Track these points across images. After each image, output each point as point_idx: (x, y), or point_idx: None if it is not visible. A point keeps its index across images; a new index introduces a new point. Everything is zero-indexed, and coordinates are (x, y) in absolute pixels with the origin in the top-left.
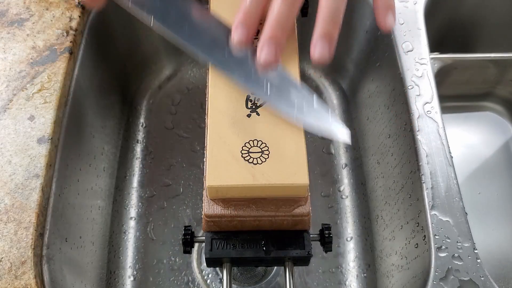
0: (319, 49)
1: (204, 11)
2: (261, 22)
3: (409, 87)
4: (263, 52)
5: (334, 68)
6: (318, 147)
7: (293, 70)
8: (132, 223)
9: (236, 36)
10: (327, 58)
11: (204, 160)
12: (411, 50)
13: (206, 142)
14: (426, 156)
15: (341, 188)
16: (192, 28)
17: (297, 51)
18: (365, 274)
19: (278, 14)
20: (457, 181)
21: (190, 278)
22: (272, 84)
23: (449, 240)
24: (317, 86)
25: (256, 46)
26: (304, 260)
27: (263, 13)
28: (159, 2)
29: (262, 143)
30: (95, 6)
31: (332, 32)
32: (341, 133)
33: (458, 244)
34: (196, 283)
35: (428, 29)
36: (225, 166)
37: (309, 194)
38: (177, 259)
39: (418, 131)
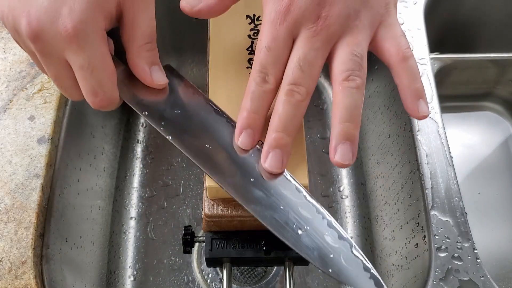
0: (341, 154)
1: (226, 123)
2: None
3: None
4: (268, 160)
5: None
6: (318, 147)
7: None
8: (132, 223)
9: (241, 141)
10: (351, 162)
11: None
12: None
13: None
14: (426, 156)
15: (341, 188)
16: (212, 155)
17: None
18: None
19: (283, 116)
20: (457, 181)
21: (190, 278)
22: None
23: (449, 240)
24: (317, 86)
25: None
26: (304, 260)
27: (269, 112)
28: (178, 116)
29: (262, 143)
30: (108, 109)
31: (353, 132)
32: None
33: (458, 244)
34: (196, 283)
35: (428, 29)
36: None
37: None
38: (177, 259)
39: (418, 131)
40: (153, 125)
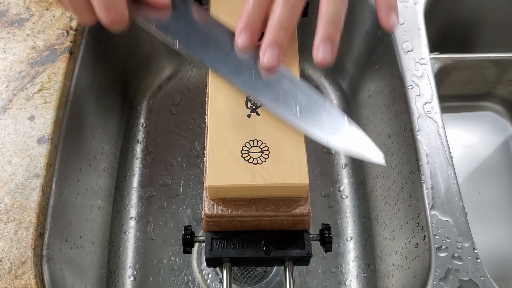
0: (321, 52)
1: (227, 31)
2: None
3: (409, 87)
4: (266, 55)
5: (334, 68)
6: (318, 147)
7: (294, 72)
8: (132, 223)
9: (240, 40)
10: (330, 60)
11: (204, 160)
12: (411, 50)
13: (206, 142)
14: (426, 156)
15: (341, 188)
16: (217, 52)
17: (297, 53)
18: (365, 274)
19: (280, 17)
20: (457, 181)
21: (190, 278)
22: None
23: (449, 240)
24: (317, 86)
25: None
26: (304, 260)
27: (267, 16)
28: (183, 25)
29: (262, 143)
30: (117, 27)
31: (334, 34)
32: (375, 155)
33: (458, 244)
34: (196, 283)
35: (428, 29)
36: (225, 166)
37: (309, 194)
38: (177, 259)
39: (418, 131)
40: (160, 36)
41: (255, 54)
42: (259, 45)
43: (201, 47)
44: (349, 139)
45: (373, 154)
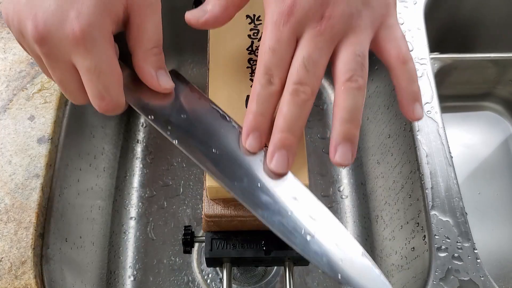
0: (341, 154)
1: (232, 128)
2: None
3: None
4: (274, 160)
5: None
6: (318, 147)
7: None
8: (132, 223)
9: (248, 144)
10: (351, 162)
11: None
12: (411, 50)
13: None
14: (426, 156)
15: (341, 188)
16: (218, 160)
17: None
18: None
19: (288, 117)
20: (457, 181)
21: (190, 278)
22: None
23: (449, 240)
24: None
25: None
26: (304, 260)
27: (274, 112)
28: (183, 121)
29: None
30: (112, 114)
31: (353, 133)
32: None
33: (458, 244)
34: (196, 283)
35: (428, 29)
36: None
37: None
38: (177, 259)
39: (418, 131)
40: (159, 129)
41: (263, 159)
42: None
43: (203, 149)
44: (360, 276)
45: None
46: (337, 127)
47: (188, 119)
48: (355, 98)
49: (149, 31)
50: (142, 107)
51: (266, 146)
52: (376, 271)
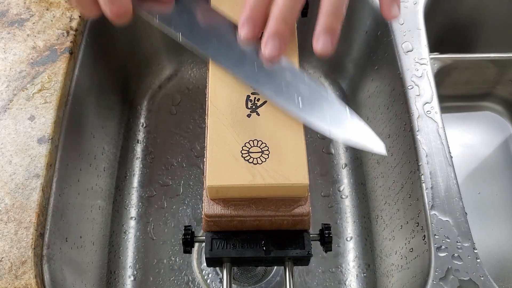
0: (321, 42)
1: (230, 24)
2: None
3: (409, 87)
4: (268, 46)
5: (334, 68)
6: (318, 147)
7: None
8: (132, 223)
9: (243, 33)
10: (330, 51)
11: (204, 160)
12: (411, 50)
13: (206, 142)
14: (426, 156)
15: (341, 188)
16: (220, 45)
17: (297, 50)
18: (365, 274)
19: (282, 8)
20: (456, 181)
21: (190, 278)
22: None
23: (448, 240)
24: None
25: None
26: (304, 260)
27: (269, 8)
28: (186, 18)
29: (262, 143)
30: (121, 21)
31: (334, 25)
32: (377, 145)
33: (458, 244)
34: (196, 283)
35: (428, 29)
36: (225, 166)
37: (309, 194)
38: (177, 259)
39: (418, 131)
40: (163, 29)
41: (257, 46)
42: (261, 37)
43: (204, 40)
44: (351, 130)
45: (375, 144)
46: (320, 20)
47: (192, 18)
48: None
49: None
50: (148, 11)
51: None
52: (367, 128)
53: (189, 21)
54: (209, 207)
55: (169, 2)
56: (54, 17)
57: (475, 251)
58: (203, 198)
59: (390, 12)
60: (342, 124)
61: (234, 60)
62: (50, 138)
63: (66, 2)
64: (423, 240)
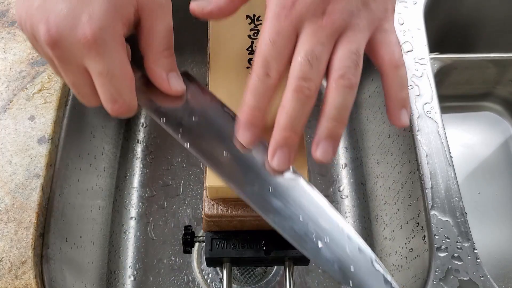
0: (321, 149)
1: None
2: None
3: (409, 87)
4: (276, 158)
5: None
6: None
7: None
8: (132, 223)
9: (244, 138)
10: (330, 160)
11: None
12: (411, 50)
13: None
14: (426, 156)
15: (341, 188)
16: (229, 164)
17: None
18: None
19: (291, 114)
20: (456, 181)
21: (190, 277)
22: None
23: (448, 240)
24: None
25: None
26: (304, 260)
27: (270, 105)
28: (195, 124)
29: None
30: (124, 117)
31: (337, 131)
32: None
33: (458, 244)
34: (196, 283)
35: (428, 29)
36: None
37: None
38: (177, 259)
39: (418, 131)
40: (170, 133)
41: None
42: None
43: (214, 152)
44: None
45: None
46: (323, 123)
47: (200, 122)
48: (345, 97)
49: (160, 34)
50: (154, 110)
51: (266, 145)
52: (388, 277)
53: (198, 129)
54: (209, 207)
55: (177, 99)
56: None
57: (475, 251)
58: (203, 198)
59: (399, 120)
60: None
61: (247, 182)
62: (50, 138)
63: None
64: (423, 240)
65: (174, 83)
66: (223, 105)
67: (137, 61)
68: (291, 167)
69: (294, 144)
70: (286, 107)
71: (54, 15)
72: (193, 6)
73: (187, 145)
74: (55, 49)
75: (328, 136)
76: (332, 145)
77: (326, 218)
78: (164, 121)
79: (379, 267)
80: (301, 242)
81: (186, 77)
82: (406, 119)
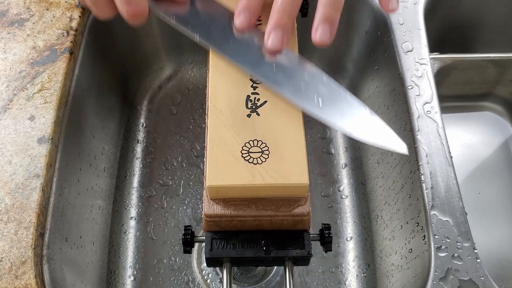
0: (320, 32)
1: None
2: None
3: (409, 87)
4: (271, 38)
5: (334, 68)
6: (318, 147)
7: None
8: (132, 223)
9: (238, 21)
10: (329, 41)
11: (204, 160)
12: (411, 50)
13: (206, 142)
14: (426, 156)
15: (341, 188)
16: (237, 44)
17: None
18: (365, 274)
19: (284, 1)
20: (456, 181)
21: (190, 278)
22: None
23: (448, 240)
24: None
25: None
26: (304, 260)
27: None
28: (202, 18)
29: (262, 143)
30: (137, 21)
31: (333, 15)
32: (398, 145)
33: (458, 244)
34: (196, 283)
35: (428, 29)
36: (225, 166)
37: (309, 194)
38: (177, 259)
39: (418, 131)
40: (180, 27)
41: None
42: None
43: (221, 40)
44: (372, 130)
45: (396, 144)
46: (319, 10)
47: (206, 19)
48: None
49: None
50: (164, 12)
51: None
52: (388, 128)
53: (205, 21)
54: (209, 207)
55: (185, 2)
56: (54, 17)
57: (475, 251)
58: (203, 198)
59: (388, 5)
60: (363, 124)
61: (252, 59)
62: (50, 138)
63: (78, 2)
64: (423, 240)
65: None
66: (226, 7)
67: None
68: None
69: (288, 26)
70: None
71: None
72: None
73: (196, 35)
74: None
75: (325, 19)
76: (330, 28)
77: (325, 84)
78: (174, 18)
79: (377, 118)
80: (305, 101)
81: None
82: (395, 4)
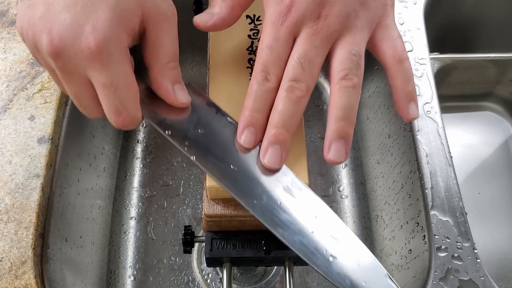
0: (334, 151)
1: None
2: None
3: None
4: (267, 155)
5: None
6: (318, 147)
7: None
8: (132, 223)
9: (243, 140)
10: (344, 159)
11: None
12: (411, 50)
13: None
14: (426, 156)
15: (341, 188)
16: (237, 177)
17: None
18: None
19: (283, 112)
20: (457, 181)
21: (190, 278)
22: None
23: (448, 240)
24: (317, 86)
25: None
26: (304, 260)
27: (271, 108)
28: (201, 136)
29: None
30: (129, 129)
31: (347, 131)
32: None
33: (458, 244)
34: (196, 283)
35: (428, 29)
36: None
37: None
38: (177, 259)
39: (418, 131)
40: (176, 145)
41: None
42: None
43: (221, 165)
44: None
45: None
46: (331, 125)
47: (206, 134)
48: (350, 97)
49: (166, 45)
50: (159, 122)
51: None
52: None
53: (204, 141)
54: (209, 207)
55: (182, 111)
56: None
57: (475, 251)
58: (203, 198)
59: (408, 113)
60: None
61: (254, 197)
62: (50, 138)
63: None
64: (423, 240)
65: (180, 95)
66: (228, 116)
67: (141, 72)
68: (309, 189)
69: (287, 142)
70: (278, 106)
71: (58, 25)
72: (197, 21)
73: (193, 158)
74: (58, 60)
75: (337, 137)
76: (344, 145)
77: (337, 232)
78: (170, 133)
79: (391, 282)
80: (311, 257)
81: (191, 89)
82: (415, 111)
